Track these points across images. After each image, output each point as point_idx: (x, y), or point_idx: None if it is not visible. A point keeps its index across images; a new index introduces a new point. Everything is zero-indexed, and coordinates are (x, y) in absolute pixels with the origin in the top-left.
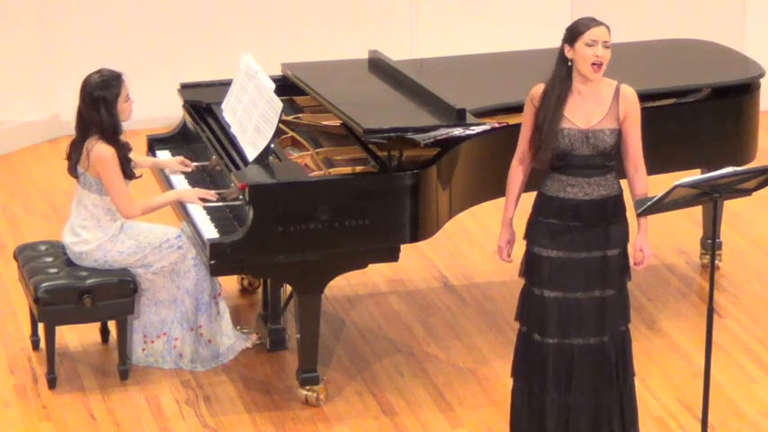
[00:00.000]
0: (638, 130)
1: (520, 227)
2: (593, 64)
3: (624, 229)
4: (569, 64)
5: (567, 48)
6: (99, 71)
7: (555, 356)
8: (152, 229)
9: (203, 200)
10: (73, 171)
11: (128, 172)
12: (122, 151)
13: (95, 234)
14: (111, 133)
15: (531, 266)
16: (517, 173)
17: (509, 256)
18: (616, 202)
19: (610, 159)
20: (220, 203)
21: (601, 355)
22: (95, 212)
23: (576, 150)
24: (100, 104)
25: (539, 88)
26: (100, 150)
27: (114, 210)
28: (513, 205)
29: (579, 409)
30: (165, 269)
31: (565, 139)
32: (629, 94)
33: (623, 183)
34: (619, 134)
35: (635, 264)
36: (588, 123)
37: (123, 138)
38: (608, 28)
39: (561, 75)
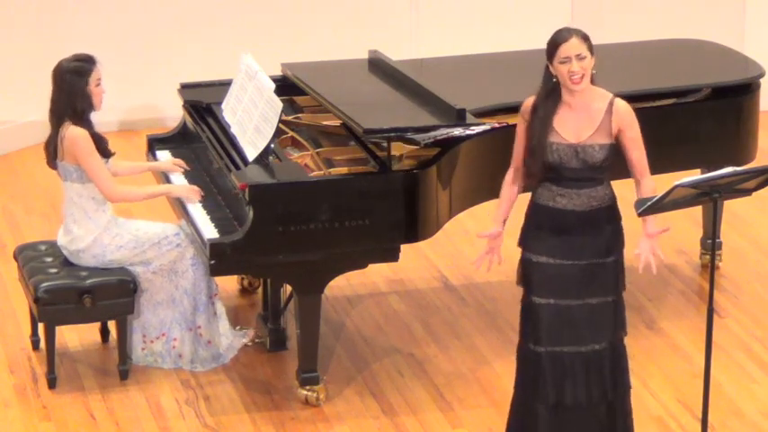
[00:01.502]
0: (637, 142)
1: (515, 234)
2: (572, 79)
3: (618, 238)
4: (554, 80)
5: (549, 65)
6: (73, 55)
7: (547, 365)
8: (150, 226)
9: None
10: (52, 163)
11: (104, 151)
12: (95, 132)
13: (87, 227)
14: (82, 115)
15: (524, 273)
16: (511, 185)
17: (492, 250)
18: (608, 212)
19: (600, 172)
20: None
21: (593, 364)
22: (80, 203)
23: (565, 164)
24: (71, 86)
25: (529, 102)
26: (73, 133)
27: (101, 199)
28: (502, 214)
29: (572, 419)
30: (164, 267)
31: (554, 154)
32: (622, 108)
33: (623, 186)
34: (609, 149)
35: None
36: (578, 138)
37: (102, 134)
38: (582, 37)
39: (549, 89)
